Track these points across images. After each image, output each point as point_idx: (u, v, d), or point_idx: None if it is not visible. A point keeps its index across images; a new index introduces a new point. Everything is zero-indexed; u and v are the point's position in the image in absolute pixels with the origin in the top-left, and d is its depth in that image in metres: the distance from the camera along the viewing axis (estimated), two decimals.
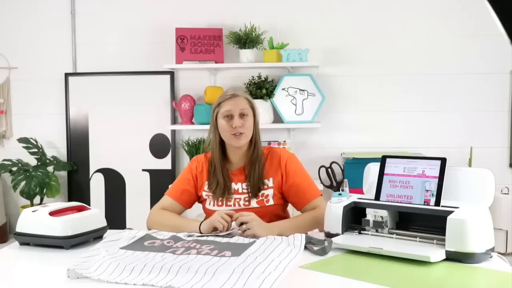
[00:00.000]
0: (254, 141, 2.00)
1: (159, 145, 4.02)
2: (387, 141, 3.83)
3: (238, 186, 1.99)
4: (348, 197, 1.70)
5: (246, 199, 1.96)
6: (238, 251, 1.48)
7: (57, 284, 1.34)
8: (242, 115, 1.95)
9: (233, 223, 1.79)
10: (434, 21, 3.78)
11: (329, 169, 1.97)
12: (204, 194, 2.01)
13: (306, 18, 3.87)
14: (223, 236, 1.73)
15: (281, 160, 2.00)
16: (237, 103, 1.96)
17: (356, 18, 3.84)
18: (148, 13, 3.99)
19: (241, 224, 1.75)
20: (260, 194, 1.96)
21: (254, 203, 1.96)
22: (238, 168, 2.02)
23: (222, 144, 2.01)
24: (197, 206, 2.13)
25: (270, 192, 1.97)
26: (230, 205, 1.97)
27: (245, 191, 1.97)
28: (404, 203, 1.61)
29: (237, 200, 1.97)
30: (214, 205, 1.99)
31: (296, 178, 1.98)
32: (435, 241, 1.52)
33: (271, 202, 1.96)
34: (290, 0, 3.88)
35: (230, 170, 2.02)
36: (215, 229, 1.80)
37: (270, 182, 1.98)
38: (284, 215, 2.04)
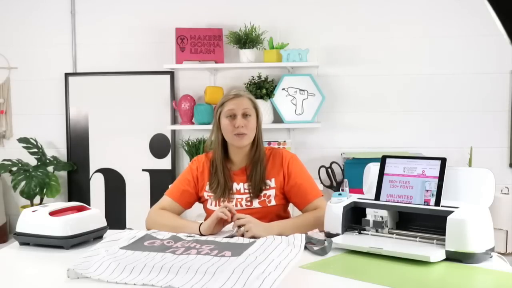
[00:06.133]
0: (256, 142, 2.00)
1: (159, 145, 4.02)
2: (387, 141, 3.83)
3: (240, 186, 1.99)
4: (348, 197, 1.70)
5: (248, 199, 1.97)
6: (238, 251, 1.48)
7: (57, 284, 1.34)
8: (245, 115, 1.96)
9: (231, 226, 1.80)
10: (434, 21, 3.78)
11: (329, 169, 1.97)
12: (205, 194, 2.02)
13: (306, 18, 3.87)
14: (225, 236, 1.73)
15: (283, 161, 2.01)
16: (240, 102, 1.96)
17: (356, 18, 3.84)
18: (148, 13, 3.99)
19: (239, 227, 1.76)
20: (262, 194, 1.96)
21: (256, 204, 1.96)
22: (240, 168, 2.02)
23: (224, 144, 2.01)
24: (197, 207, 2.13)
25: (272, 192, 1.97)
26: (232, 206, 1.97)
27: (246, 191, 1.98)
28: (404, 203, 1.61)
29: (239, 200, 1.97)
30: (215, 206, 1.99)
31: (298, 179, 1.98)
32: (435, 241, 1.51)
33: (273, 202, 1.97)
34: (290, 0, 3.88)
35: (232, 170, 2.02)
36: (216, 228, 1.80)
37: (272, 183, 1.98)
38: (285, 215, 2.05)
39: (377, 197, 1.66)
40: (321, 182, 2.46)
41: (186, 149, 3.83)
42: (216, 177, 1.99)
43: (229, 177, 1.99)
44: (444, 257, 1.44)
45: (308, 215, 1.91)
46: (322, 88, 3.77)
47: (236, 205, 1.97)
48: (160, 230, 1.82)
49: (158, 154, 4.03)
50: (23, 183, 3.82)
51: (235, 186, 1.99)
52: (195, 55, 3.78)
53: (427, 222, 1.60)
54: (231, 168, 2.03)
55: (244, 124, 1.94)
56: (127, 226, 3.36)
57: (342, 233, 1.65)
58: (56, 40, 4.07)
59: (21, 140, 3.92)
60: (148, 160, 4.02)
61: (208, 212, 2.04)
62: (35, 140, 3.97)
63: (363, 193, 1.77)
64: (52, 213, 1.69)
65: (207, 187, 2.02)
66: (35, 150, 3.93)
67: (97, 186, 4.07)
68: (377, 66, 3.84)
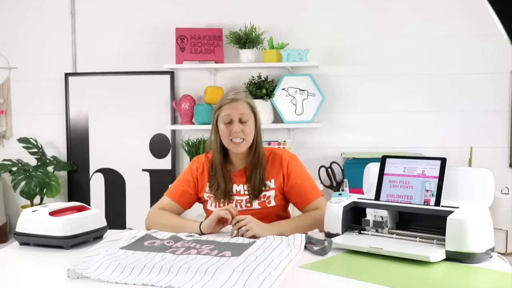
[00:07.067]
0: (255, 144, 1.99)
1: (159, 145, 4.02)
2: (387, 141, 3.83)
3: (240, 187, 1.99)
4: (348, 197, 1.70)
5: (248, 200, 1.97)
6: (238, 251, 1.48)
7: (57, 284, 1.34)
8: (242, 120, 1.95)
9: (231, 226, 1.80)
10: (434, 21, 3.78)
11: (329, 169, 1.97)
12: (205, 195, 2.01)
13: (306, 18, 3.87)
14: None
15: (282, 161, 2.00)
16: (237, 107, 1.95)
17: (356, 18, 3.84)
18: (148, 13, 3.99)
19: (239, 228, 1.75)
20: (261, 195, 1.96)
21: (256, 205, 1.96)
22: (239, 170, 2.02)
23: (223, 147, 2.01)
24: (197, 207, 2.13)
25: (271, 193, 1.97)
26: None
27: (246, 192, 1.98)
28: (404, 203, 1.61)
29: (239, 201, 1.97)
30: (216, 207, 1.98)
31: (298, 179, 1.98)
32: (435, 241, 1.52)
33: (273, 203, 1.97)
34: (290, 0, 3.88)
35: (231, 172, 2.02)
36: (216, 227, 1.80)
37: (271, 183, 1.98)
38: (285, 216, 2.05)
39: (377, 197, 1.66)
40: (321, 182, 2.46)
41: (186, 149, 3.83)
42: (215, 180, 1.99)
43: (229, 179, 1.99)
44: (444, 257, 1.44)
45: (308, 215, 1.91)
46: (322, 88, 3.77)
47: (236, 206, 1.96)
48: (160, 230, 1.82)
49: (158, 154, 4.03)
50: (23, 183, 3.82)
51: (235, 187, 1.99)
52: (195, 55, 3.78)
53: (427, 222, 1.60)
54: (230, 169, 2.02)
55: (241, 129, 1.93)
56: (127, 226, 3.36)
57: (342, 233, 1.65)
58: (56, 40, 4.07)
59: (21, 140, 3.92)
60: (148, 160, 4.02)
61: (208, 213, 2.03)
62: (35, 140, 3.97)
63: (363, 193, 1.77)
64: (52, 213, 1.69)
65: (207, 188, 2.02)
66: (35, 150, 3.93)
67: (97, 186, 4.07)
68: (377, 66, 3.84)
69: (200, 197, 2.04)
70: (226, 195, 1.97)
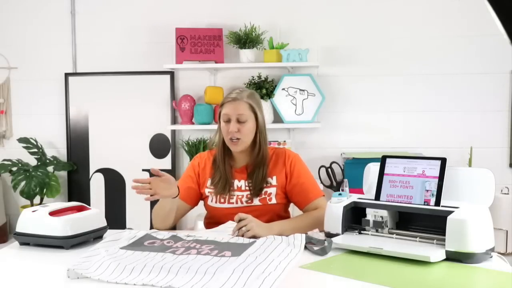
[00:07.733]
0: (258, 144, 2.00)
1: (159, 145, 4.02)
2: (387, 141, 3.83)
3: (241, 183, 2.00)
4: (348, 197, 1.70)
5: (248, 196, 1.97)
6: (238, 251, 1.48)
7: (57, 284, 1.34)
8: (239, 120, 1.95)
9: (230, 224, 1.80)
10: (434, 21, 3.78)
11: (329, 169, 1.97)
12: (206, 191, 2.03)
13: (306, 18, 3.87)
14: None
15: (286, 160, 2.02)
16: (236, 107, 1.95)
17: (356, 18, 3.84)
18: (148, 13, 3.99)
19: (240, 228, 1.75)
20: (262, 192, 1.97)
21: (256, 201, 1.97)
22: (241, 167, 2.03)
23: (225, 143, 2.03)
24: (197, 206, 2.13)
25: (273, 190, 1.98)
26: (233, 202, 1.98)
27: (247, 188, 1.99)
28: (404, 203, 1.61)
29: (240, 197, 1.98)
30: (216, 202, 2.00)
31: (301, 178, 1.99)
32: (435, 241, 1.52)
33: (274, 200, 1.97)
34: (290, 0, 3.88)
35: (233, 168, 2.03)
36: (163, 184, 1.82)
37: (273, 181, 1.99)
38: (285, 215, 2.05)
39: (377, 197, 1.66)
40: (321, 182, 2.46)
41: (186, 149, 3.83)
42: (218, 172, 2.00)
43: (230, 173, 2.01)
44: (444, 257, 1.44)
45: (308, 215, 1.92)
46: (322, 88, 3.77)
47: (237, 202, 1.98)
48: (158, 219, 1.91)
49: (158, 154, 4.02)
50: (23, 183, 3.82)
51: (236, 183, 2.00)
52: (195, 55, 3.78)
53: (427, 222, 1.60)
54: (233, 165, 2.04)
55: (237, 129, 1.93)
56: (127, 226, 3.36)
57: (342, 233, 1.65)
58: (56, 40, 4.07)
59: (21, 140, 3.92)
60: (148, 160, 4.02)
61: (209, 209, 2.05)
62: (35, 140, 3.97)
63: (363, 193, 1.77)
64: (52, 213, 1.69)
65: (208, 183, 2.03)
66: (35, 150, 3.93)
67: (97, 186, 4.07)
68: (377, 66, 3.84)
69: (201, 192, 2.05)
70: (226, 189, 1.98)
